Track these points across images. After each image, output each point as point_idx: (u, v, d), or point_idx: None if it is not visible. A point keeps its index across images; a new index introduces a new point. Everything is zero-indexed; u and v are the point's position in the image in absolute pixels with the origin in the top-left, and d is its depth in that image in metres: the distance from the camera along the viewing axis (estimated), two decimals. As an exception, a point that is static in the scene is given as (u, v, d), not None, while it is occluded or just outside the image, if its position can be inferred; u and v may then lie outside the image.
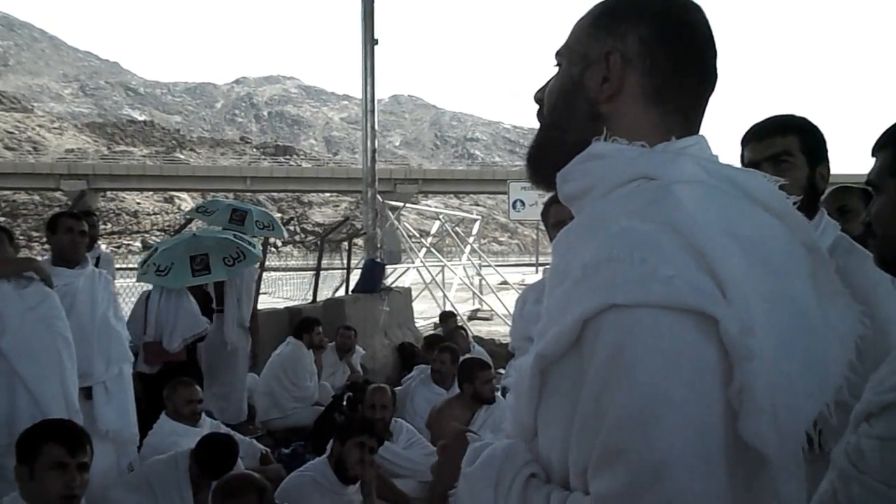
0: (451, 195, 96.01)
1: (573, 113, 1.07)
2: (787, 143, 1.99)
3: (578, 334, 0.88)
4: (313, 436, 5.97)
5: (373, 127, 12.01)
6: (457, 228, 20.61)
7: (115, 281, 4.84)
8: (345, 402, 6.38)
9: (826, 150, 2.05)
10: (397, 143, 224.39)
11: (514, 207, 24.02)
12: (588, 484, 0.87)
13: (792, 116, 2.08)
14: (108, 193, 75.96)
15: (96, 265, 4.64)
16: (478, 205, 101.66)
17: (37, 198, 77.10)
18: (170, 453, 3.96)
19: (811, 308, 0.90)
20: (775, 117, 2.08)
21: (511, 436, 1.05)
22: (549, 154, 1.11)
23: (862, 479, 1.18)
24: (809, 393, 0.88)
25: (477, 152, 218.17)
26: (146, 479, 3.85)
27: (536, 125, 1.16)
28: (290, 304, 10.39)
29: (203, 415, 4.68)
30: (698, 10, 1.06)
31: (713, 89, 1.07)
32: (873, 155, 1.36)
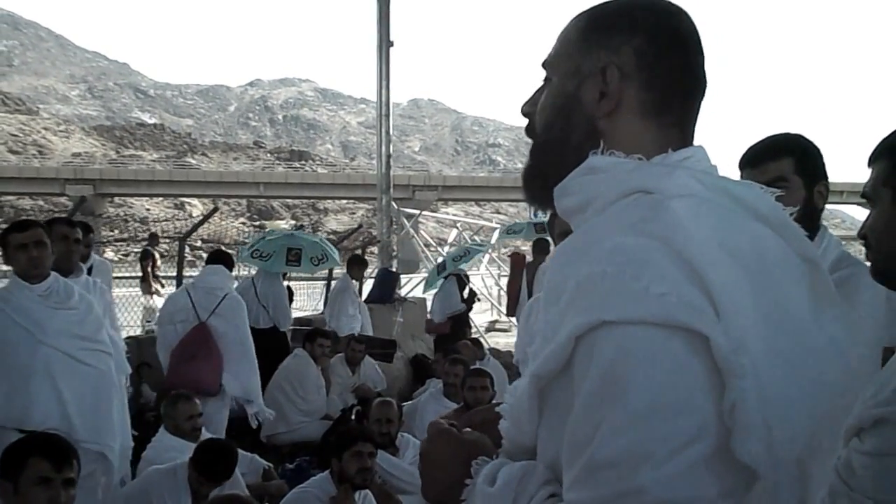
0: (472, 203, 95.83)
1: (571, 130, 1.06)
2: (780, 168, 1.99)
3: (571, 351, 0.88)
4: (320, 450, 5.85)
5: (387, 132, 11.87)
6: (475, 237, 20.46)
7: (118, 290, 4.87)
8: (353, 416, 6.27)
9: (823, 167, 2.06)
10: (416, 149, 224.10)
11: (535, 216, 23.89)
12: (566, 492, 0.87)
13: (785, 137, 2.08)
14: (116, 199, 76.29)
15: (89, 273, 4.54)
16: (499, 212, 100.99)
17: (41, 203, 77.47)
18: (168, 464, 3.90)
19: (808, 321, 0.90)
20: (768, 139, 2.09)
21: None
22: (548, 174, 1.08)
23: (852, 497, 1.17)
24: (805, 407, 0.86)
25: (499, 158, 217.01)
26: (144, 489, 3.80)
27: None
28: (301, 314, 10.27)
29: (203, 430, 4.57)
30: (688, 17, 1.06)
31: (704, 95, 1.08)
32: (869, 166, 1.35)
